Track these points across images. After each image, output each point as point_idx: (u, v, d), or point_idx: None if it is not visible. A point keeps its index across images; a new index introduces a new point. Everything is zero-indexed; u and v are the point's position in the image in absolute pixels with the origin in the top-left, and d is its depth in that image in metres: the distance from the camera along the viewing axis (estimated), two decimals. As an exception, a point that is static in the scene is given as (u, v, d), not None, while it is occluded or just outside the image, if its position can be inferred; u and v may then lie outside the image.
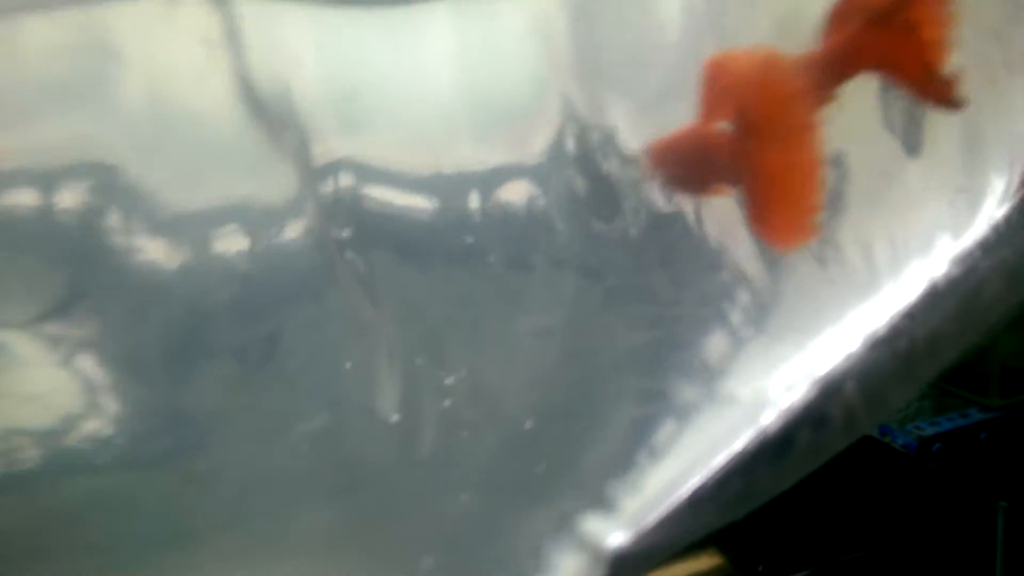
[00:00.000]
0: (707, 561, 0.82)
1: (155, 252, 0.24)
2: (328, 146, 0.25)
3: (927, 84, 0.25)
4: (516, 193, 0.27)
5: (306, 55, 0.24)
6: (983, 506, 0.64)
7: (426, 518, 0.26)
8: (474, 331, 0.27)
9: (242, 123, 0.24)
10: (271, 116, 0.24)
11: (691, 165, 0.26)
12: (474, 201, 0.27)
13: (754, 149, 0.25)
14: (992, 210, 0.27)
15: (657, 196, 0.27)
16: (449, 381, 0.26)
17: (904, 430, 0.80)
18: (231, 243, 0.24)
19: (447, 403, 0.26)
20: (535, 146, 0.27)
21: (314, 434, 0.25)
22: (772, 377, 0.26)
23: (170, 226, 0.24)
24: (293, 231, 0.25)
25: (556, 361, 0.27)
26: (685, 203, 0.27)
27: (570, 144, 0.27)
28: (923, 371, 0.28)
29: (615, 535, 0.25)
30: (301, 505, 0.26)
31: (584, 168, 0.27)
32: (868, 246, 0.27)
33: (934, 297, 0.27)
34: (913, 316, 0.27)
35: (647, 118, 0.27)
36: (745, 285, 0.27)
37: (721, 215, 0.27)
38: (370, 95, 0.26)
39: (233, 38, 0.23)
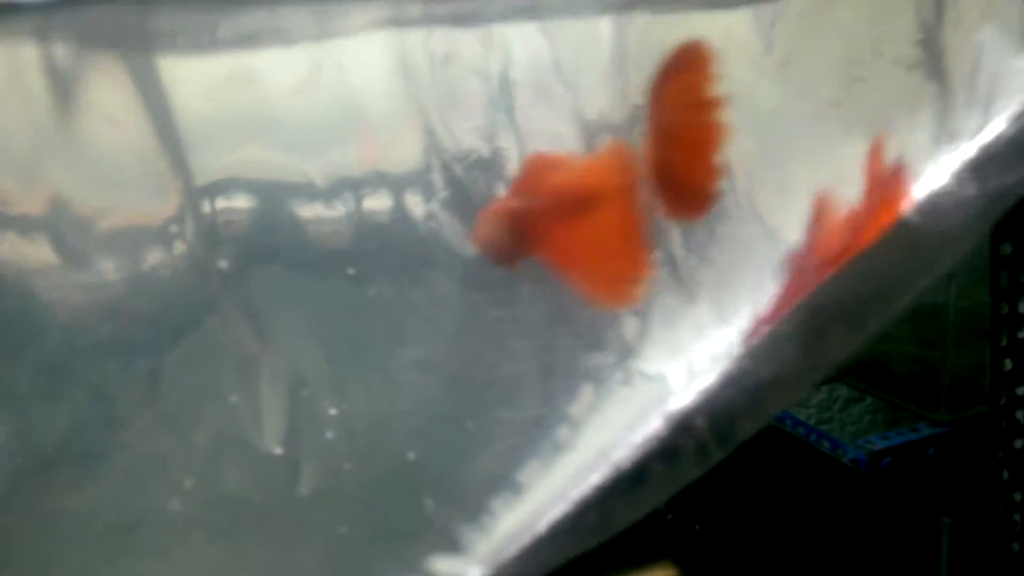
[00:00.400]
0: (660, 574, 0.82)
1: (27, 281, 0.23)
2: (209, 163, 0.24)
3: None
4: (397, 223, 0.27)
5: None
6: (928, 522, 0.64)
7: (307, 553, 0.27)
8: (357, 362, 0.27)
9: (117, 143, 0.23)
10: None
11: (503, 237, 0.26)
12: (357, 220, 0.27)
13: (560, 228, 0.26)
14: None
15: None
16: (332, 412, 0.26)
17: (855, 444, 0.81)
18: (109, 272, 0.24)
19: (329, 435, 0.26)
20: (403, 166, 0.27)
21: (196, 471, 0.25)
22: (628, 413, 0.28)
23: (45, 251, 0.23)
24: (173, 259, 0.24)
25: (437, 393, 0.28)
26: None
27: (437, 176, 0.27)
28: (770, 407, 0.29)
29: (472, 570, 0.26)
30: (181, 545, 0.25)
31: (455, 200, 0.27)
32: (717, 295, 0.28)
33: (778, 339, 0.28)
34: (757, 356, 0.28)
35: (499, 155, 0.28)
36: (613, 323, 0.28)
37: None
38: (247, 112, 0.25)
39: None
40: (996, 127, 0.32)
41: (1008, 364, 0.62)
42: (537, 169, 0.26)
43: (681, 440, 0.28)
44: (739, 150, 0.28)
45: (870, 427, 1.10)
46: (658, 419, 0.28)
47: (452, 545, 0.27)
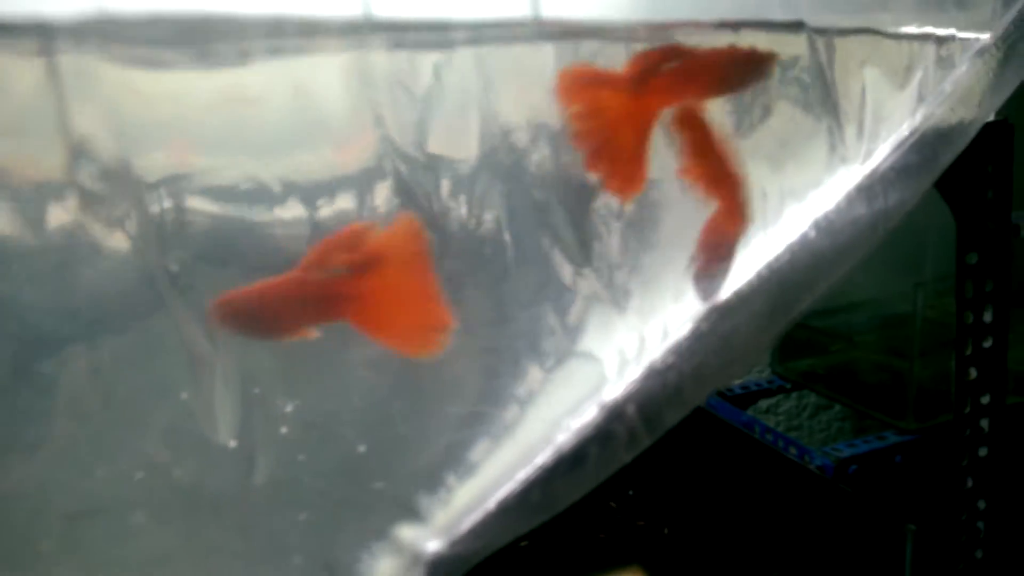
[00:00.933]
0: (628, 578, 0.82)
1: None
2: (154, 161, 0.24)
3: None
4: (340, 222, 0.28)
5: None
6: (893, 529, 0.65)
7: (265, 537, 0.27)
8: (309, 362, 0.28)
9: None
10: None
11: (270, 312, 0.27)
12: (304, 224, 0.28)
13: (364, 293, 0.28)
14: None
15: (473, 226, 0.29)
16: (287, 409, 0.27)
17: (823, 451, 0.82)
18: (49, 268, 0.23)
19: (284, 430, 0.27)
20: (356, 168, 0.28)
21: (147, 462, 0.25)
22: (567, 402, 0.30)
23: None
24: (117, 256, 0.24)
25: (386, 391, 0.29)
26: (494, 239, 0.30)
27: (392, 179, 0.28)
28: (692, 397, 0.32)
29: (431, 542, 0.28)
30: (136, 531, 0.25)
31: (406, 205, 0.28)
32: (643, 298, 0.32)
33: (697, 337, 0.32)
34: (680, 353, 0.32)
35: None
36: (554, 320, 0.30)
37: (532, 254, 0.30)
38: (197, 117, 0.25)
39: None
40: (881, 153, 0.38)
41: (973, 373, 0.62)
42: (331, 244, 0.27)
43: (615, 426, 0.30)
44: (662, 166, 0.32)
45: (838, 434, 1.11)
46: (594, 407, 0.30)
47: (413, 515, 0.28)
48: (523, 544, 0.72)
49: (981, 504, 0.65)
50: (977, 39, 0.43)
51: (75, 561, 0.24)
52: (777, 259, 0.34)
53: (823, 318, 0.98)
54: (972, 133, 0.44)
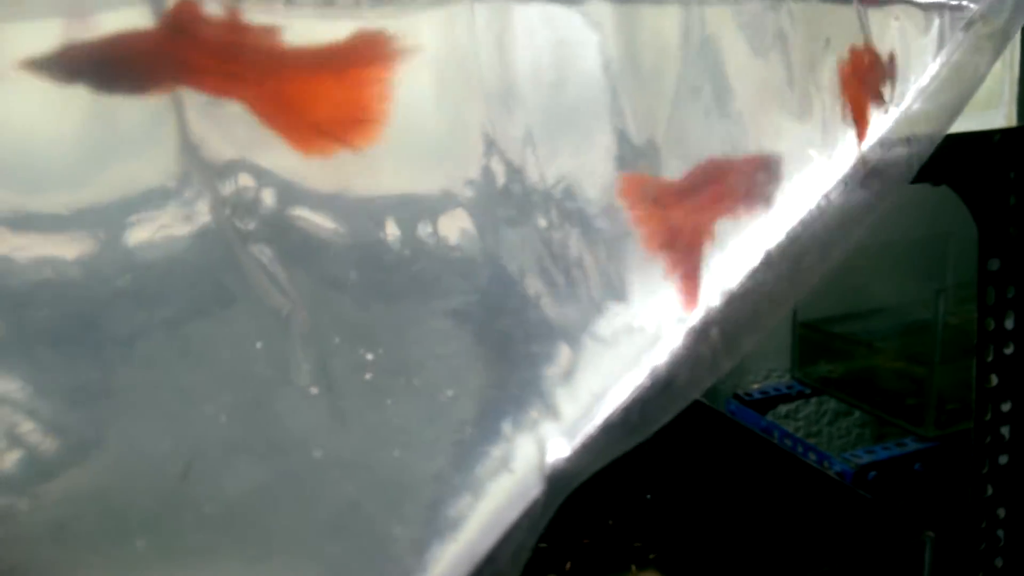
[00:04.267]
0: (646, 582, 0.82)
1: (43, 246, 0.24)
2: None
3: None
4: (445, 227, 0.30)
5: None
6: (912, 536, 0.64)
7: (360, 473, 0.28)
8: (388, 315, 0.29)
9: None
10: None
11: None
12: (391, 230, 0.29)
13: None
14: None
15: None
16: (369, 357, 0.28)
17: (842, 457, 0.81)
18: (125, 233, 0.24)
19: (368, 376, 0.27)
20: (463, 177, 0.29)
21: (228, 408, 0.26)
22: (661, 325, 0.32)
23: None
24: (189, 217, 0.25)
25: (472, 338, 0.30)
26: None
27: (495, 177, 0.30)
28: (766, 320, 0.35)
29: (558, 445, 0.29)
30: (226, 471, 0.26)
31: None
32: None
33: (770, 262, 0.35)
34: (755, 277, 0.34)
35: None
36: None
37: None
38: None
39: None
40: (909, 97, 0.42)
41: (994, 380, 0.62)
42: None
43: (701, 348, 0.32)
44: None
45: (857, 441, 1.10)
46: (682, 332, 0.33)
47: (552, 410, 0.30)
48: (542, 546, 0.73)
49: (1001, 512, 0.65)
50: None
51: (182, 513, 0.25)
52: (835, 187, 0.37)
53: (843, 324, 0.98)
54: (985, 77, 0.46)
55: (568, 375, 0.30)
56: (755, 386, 1.01)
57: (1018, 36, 0.60)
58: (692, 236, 0.33)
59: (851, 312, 0.98)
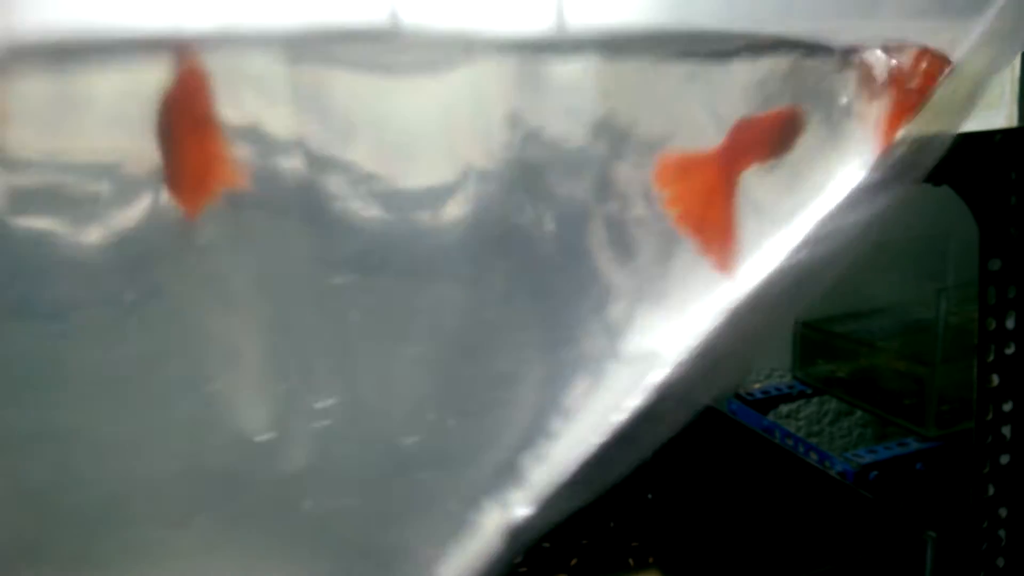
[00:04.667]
0: (647, 582, 0.82)
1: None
2: None
3: None
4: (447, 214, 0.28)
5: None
6: (913, 536, 0.64)
7: (310, 523, 0.28)
8: (350, 358, 0.28)
9: None
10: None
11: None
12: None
13: None
14: None
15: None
16: (327, 404, 0.27)
17: (843, 457, 0.81)
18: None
19: (326, 423, 0.27)
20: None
21: (178, 451, 0.25)
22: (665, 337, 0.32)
23: None
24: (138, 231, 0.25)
25: (437, 385, 0.29)
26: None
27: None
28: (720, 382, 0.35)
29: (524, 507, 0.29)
30: (170, 514, 0.25)
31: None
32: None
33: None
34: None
35: None
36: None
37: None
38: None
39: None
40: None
41: (995, 380, 0.62)
42: None
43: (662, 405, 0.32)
44: None
45: (859, 440, 1.10)
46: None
47: (514, 474, 0.29)
48: (545, 545, 0.73)
49: (1002, 512, 0.65)
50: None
51: (109, 556, 0.25)
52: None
53: (845, 323, 0.98)
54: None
55: (544, 457, 0.30)
56: (756, 386, 1.01)
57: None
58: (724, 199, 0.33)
59: (852, 312, 0.98)
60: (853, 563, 0.68)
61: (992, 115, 0.63)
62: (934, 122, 0.42)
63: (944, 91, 0.42)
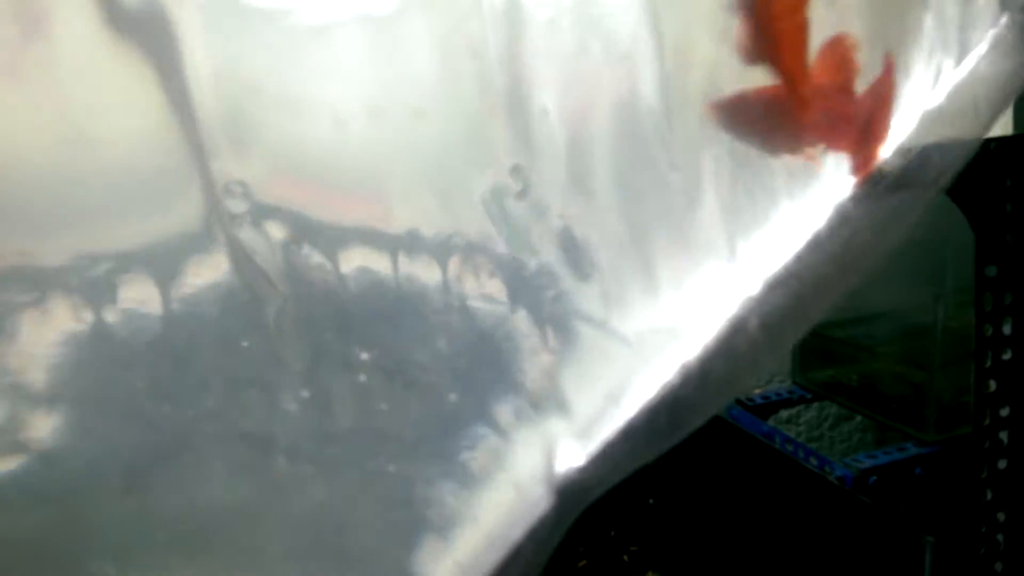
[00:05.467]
0: (647, 586, 0.82)
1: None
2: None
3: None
4: None
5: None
6: (912, 541, 0.65)
7: (348, 487, 0.26)
8: (385, 310, 0.27)
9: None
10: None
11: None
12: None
13: None
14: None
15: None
16: (363, 357, 0.26)
17: (843, 462, 0.82)
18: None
19: (362, 378, 0.26)
20: None
21: (213, 410, 0.24)
22: (690, 316, 0.30)
23: None
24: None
25: (473, 335, 0.27)
26: None
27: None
28: (811, 310, 0.32)
29: (570, 451, 0.26)
30: (208, 480, 0.24)
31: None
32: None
33: (817, 243, 0.32)
34: (800, 259, 0.31)
35: None
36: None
37: None
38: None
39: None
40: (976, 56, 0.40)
41: (992, 385, 0.62)
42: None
43: (738, 341, 0.30)
44: None
45: (859, 445, 1.10)
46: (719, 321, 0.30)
47: (562, 405, 0.27)
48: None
49: (1001, 516, 0.65)
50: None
51: (148, 521, 0.24)
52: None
53: (844, 328, 0.98)
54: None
55: (580, 364, 0.28)
56: (756, 391, 1.01)
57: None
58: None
59: (851, 317, 0.99)
60: (853, 567, 0.68)
61: (987, 123, 0.63)
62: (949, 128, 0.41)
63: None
